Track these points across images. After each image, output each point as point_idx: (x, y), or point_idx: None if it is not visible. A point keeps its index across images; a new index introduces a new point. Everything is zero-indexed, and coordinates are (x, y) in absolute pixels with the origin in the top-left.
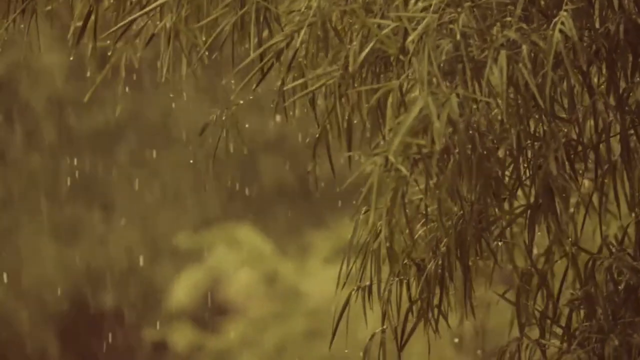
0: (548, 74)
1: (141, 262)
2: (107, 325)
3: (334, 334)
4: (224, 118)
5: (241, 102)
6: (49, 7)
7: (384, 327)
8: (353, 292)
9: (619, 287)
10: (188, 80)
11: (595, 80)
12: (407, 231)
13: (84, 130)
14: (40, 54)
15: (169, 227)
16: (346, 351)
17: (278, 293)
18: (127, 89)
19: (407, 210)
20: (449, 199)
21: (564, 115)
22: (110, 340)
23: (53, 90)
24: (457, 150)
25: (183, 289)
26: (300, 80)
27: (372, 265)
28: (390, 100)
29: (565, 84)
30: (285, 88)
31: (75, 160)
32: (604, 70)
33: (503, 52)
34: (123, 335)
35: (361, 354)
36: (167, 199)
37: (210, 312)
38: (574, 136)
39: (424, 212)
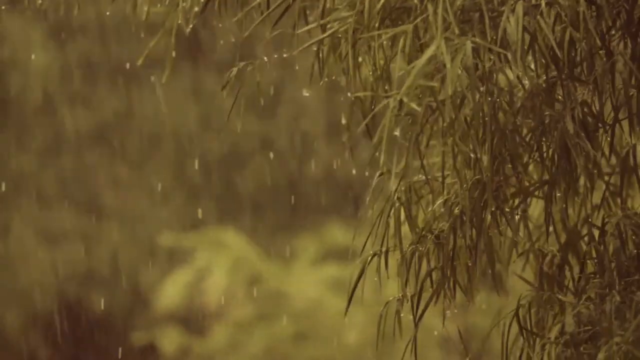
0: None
1: (129, 265)
2: (96, 328)
3: (349, 302)
4: (248, 69)
5: (265, 58)
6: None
7: (401, 295)
8: (370, 258)
9: (627, 246)
10: (177, 82)
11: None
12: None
13: (73, 131)
14: (30, 54)
15: (156, 230)
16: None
17: (264, 296)
18: (117, 90)
19: (421, 153)
20: (464, 148)
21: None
22: (99, 343)
23: (42, 91)
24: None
25: (170, 292)
26: (314, 25)
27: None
28: (401, 44)
29: (584, 48)
30: (298, 31)
31: (64, 162)
32: (625, 39)
33: (520, 3)
34: (111, 338)
35: (350, 355)
36: (155, 202)
37: (198, 315)
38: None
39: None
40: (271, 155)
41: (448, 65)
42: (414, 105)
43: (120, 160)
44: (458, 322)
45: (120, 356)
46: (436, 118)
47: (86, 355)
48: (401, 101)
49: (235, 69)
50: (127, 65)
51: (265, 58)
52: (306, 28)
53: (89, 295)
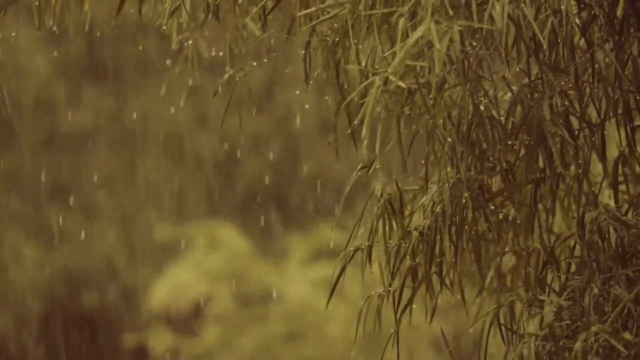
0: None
1: (121, 266)
2: (88, 328)
3: (330, 297)
4: (237, 79)
5: (254, 64)
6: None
7: (381, 291)
8: (354, 253)
9: (606, 239)
10: (166, 80)
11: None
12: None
13: (64, 131)
14: (21, 54)
15: (148, 231)
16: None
17: (256, 296)
18: (109, 90)
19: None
20: (442, 132)
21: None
22: (90, 343)
23: (33, 92)
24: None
25: (162, 292)
26: (313, 9)
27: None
28: (401, 24)
29: (566, 38)
30: (299, 14)
31: (55, 162)
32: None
33: None
34: (103, 338)
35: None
36: (147, 201)
37: (188, 315)
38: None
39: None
40: (264, 153)
41: (436, 45)
42: (400, 83)
43: (112, 159)
44: (450, 322)
45: (111, 357)
46: (416, 101)
47: (79, 355)
48: (387, 79)
49: (227, 75)
50: (120, 66)
51: (254, 63)
52: (305, 12)
53: (81, 296)
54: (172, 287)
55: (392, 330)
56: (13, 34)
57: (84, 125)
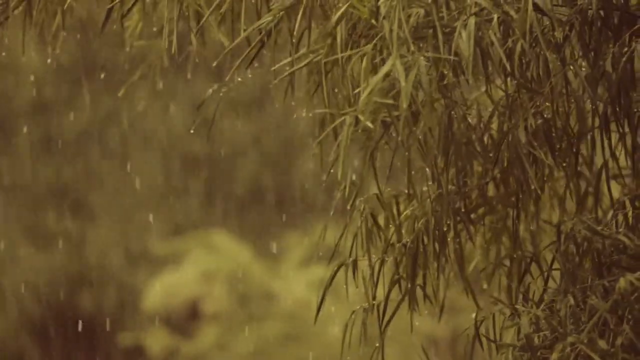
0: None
1: (118, 267)
2: (84, 329)
3: (318, 310)
4: (220, 94)
5: (239, 79)
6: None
7: (366, 305)
8: (338, 269)
9: (581, 249)
10: (164, 84)
11: (570, 55)
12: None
13: (60, 134)
14: (17, 57)
15: (145, 232)
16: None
17: (253, 297)
18: (105, 93)
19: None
20: (419, 162)
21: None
22: (87, 343)
23: (29, 95)
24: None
25: (159, 294)
26: (287, 60)
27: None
28: (364, 64)
29: (539, 60)
30: (273, 68)
31: (52, 165)
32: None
33: (472, 18)
34: (100, 339)
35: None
36: (143, 204)
37: (186, 316)
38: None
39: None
40: (260, 155)
41: (402, 82)
42: (368, 123)
43: (108, 162)
44: (447, 325)
45: (108, 357)
46: (391, 134)
47: (75, 356)
48: (357, 118)
49: (210, 90)
50: (115, 68)
51: (239, 79)
52: (282, 63)
53: (78, 296)
54: (169, 287)
55: (377, 345)
56: (3, 54)
57: (82, 127)
